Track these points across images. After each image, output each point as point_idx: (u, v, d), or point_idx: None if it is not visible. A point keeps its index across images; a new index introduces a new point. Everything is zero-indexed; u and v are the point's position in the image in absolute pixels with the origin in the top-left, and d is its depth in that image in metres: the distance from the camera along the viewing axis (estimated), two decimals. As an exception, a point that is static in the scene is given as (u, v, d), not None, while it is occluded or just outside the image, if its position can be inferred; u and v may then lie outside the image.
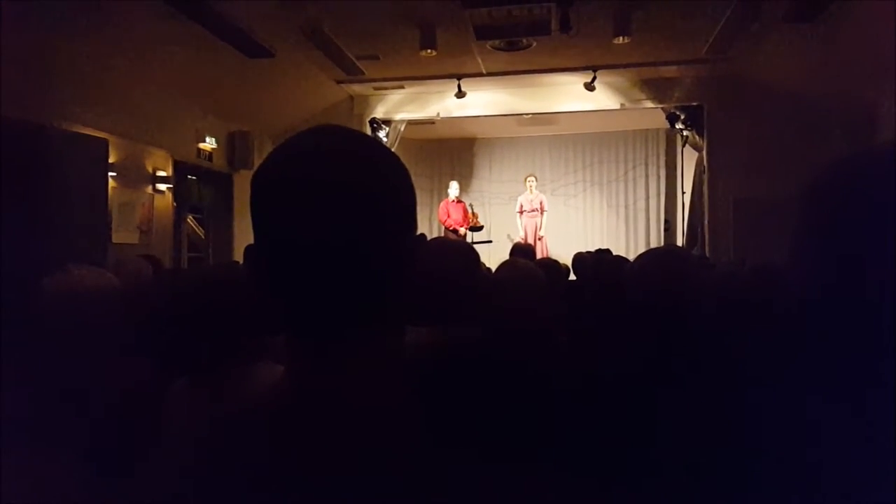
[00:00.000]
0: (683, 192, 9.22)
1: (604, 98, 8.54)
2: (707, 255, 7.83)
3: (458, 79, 8.10)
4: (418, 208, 0.75)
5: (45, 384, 1.60)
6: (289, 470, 0.64)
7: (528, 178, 10.21)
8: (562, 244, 9.93)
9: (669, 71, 8.13)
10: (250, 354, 1.56)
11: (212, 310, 1.60)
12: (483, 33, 6.38)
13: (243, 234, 7.98)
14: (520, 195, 10.27)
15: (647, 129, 11.01)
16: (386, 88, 8.76)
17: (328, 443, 0.64)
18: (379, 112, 9.12)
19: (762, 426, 0.79)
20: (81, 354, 1.73)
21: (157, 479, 0.71)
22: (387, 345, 0.71)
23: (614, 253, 5.37)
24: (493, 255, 7.61)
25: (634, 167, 11.46)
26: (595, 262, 4.71)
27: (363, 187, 0.67)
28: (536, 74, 8.10)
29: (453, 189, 9.73)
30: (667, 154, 11.12)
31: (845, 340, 0.75)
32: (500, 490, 0.63)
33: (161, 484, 0.70)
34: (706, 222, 8.41)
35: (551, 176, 11.51)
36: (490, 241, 9.45)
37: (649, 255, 1.86)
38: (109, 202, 5.88)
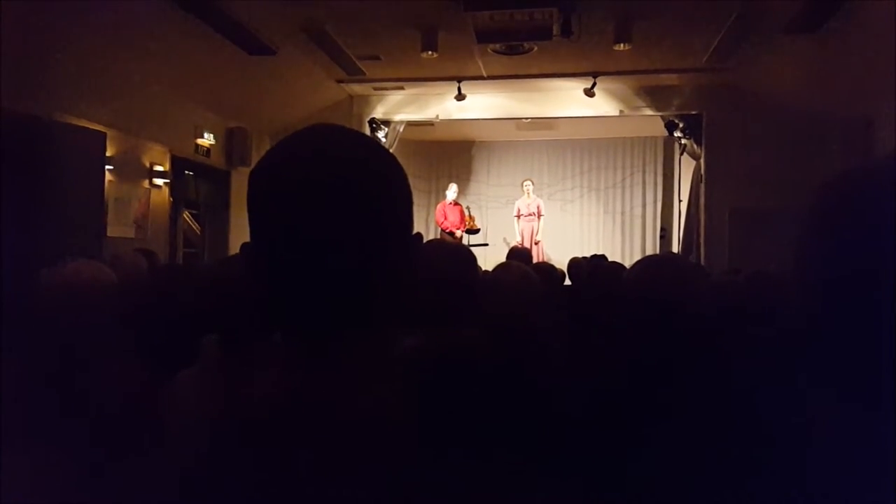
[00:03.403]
0: (680, 201, 9.26)
1: (603, 104, 8.57)
2: (702, 263, 7.85)
3: (459, 81, 8.12)
4: (415, 210, 0.75)
5: (42, 377, 1.59)
6: (283, 468, 0.64)
7: (525, 183, 10.18)
8: (558, 249, 9.92)
9: (669, 79, 8.15)
10: (250, 351, 1.55)
11: (209, 306, 1.60)
12: (484, 36, 6.39)
13: (239, 231, 7.96)
14: (517, 199, 10.25)
15: (646, 137, 11.04)
16: (386, 89, 8.76)
17: (321, 441, 0.64)
18: (378, 112, 9.12)
19: (760, 431, 0.79)
20: (78, 347, 1.72)
21: (155, 472, 0.71)
22: (382, 344, 0.71)
23: (610, 259, 5.37)
24: (489, 259, 7.60)
25: (632, 174, 11.47)
26: (590, 268, 4.72)
27: (360, 187, 0.68)
28: (536, 79, 8.11)
29: (451, 191, 9.68)
30: (664, 162, 11.16)
31: (848, 347, 0.75)
32: (493, 493, 0.63)
33: (159, 476, 0.70)
34: (702, 231, 8.43)
35: (549, 181, 11.51)
36: (486, 245, 9.45)
37: (647, 262, 1.85)
38: (106, 195, 5.87)
